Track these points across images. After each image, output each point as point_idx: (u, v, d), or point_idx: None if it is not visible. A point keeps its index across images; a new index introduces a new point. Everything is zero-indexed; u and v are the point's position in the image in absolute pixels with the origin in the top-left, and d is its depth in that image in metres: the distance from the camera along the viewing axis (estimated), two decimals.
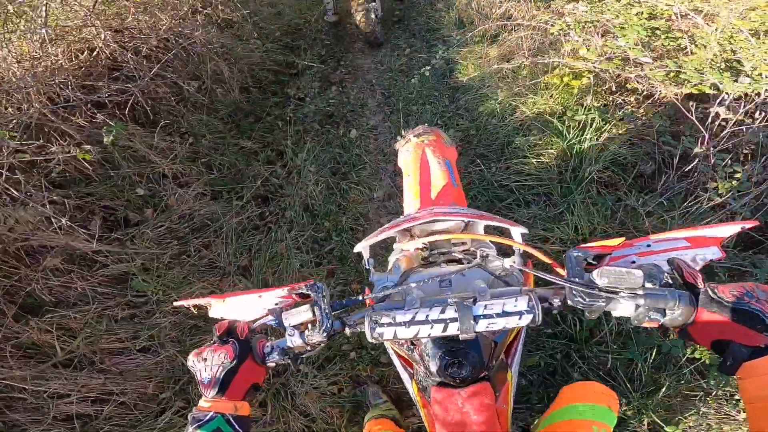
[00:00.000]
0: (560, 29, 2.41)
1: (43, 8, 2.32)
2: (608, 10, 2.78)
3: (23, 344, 1.55)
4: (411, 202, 1.08)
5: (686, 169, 1.92)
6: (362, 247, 0.82)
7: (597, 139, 2.20)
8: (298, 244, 2.13)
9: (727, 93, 1.89)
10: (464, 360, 0.63)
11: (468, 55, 3.24)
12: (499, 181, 2.24)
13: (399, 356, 0.82)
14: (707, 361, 1.39)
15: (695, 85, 1.99)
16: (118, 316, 1.76)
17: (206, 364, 0.59)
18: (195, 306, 0.75)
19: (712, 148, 1.87)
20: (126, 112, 2.27)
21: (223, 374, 0.58)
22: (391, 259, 0.88)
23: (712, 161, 1.87)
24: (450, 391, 0.64)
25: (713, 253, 0.64)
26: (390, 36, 3.84)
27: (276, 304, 0.67)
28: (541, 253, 0.66)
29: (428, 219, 0.79)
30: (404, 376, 0.83)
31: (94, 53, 2.43)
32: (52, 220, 1.73)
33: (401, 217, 0.90)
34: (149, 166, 2.29)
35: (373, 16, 3.31)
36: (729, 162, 1.86)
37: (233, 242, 2.13)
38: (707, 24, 2.27)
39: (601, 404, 0.69)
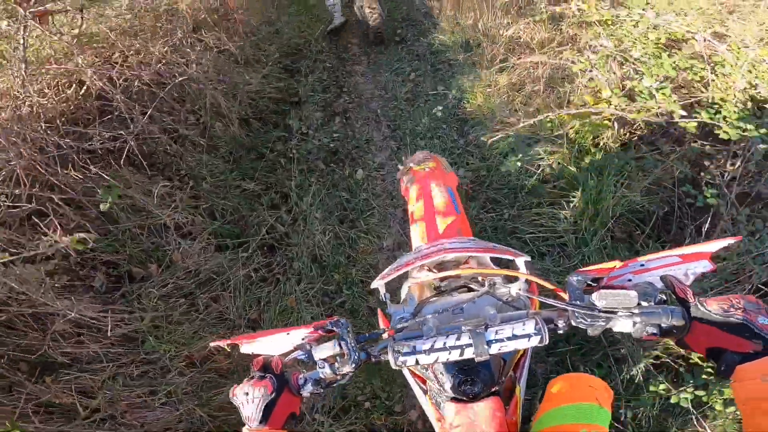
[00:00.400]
0: (583, 68, 2.30)
1: (21, 39, 2.15)
2: (625, 36, 2.68)
3: (44, 403, 1.53)
4: (417, 232, 1.13)
5: (705, 225, 1.84)
6: (378, 284, 0.88)
7: (615, 185, 2.12)
8: (308, 296, 2.05)
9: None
10: (476, 377, 0.68)
11: (476, 82, 3.13)
12: (513, 230, 2.16)
13: (412, 373, 0.86)
14: (715, 407, 1.38)
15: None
16: (134, 373, 1.72)
17: (248, 397, 0.64)
18: (229, 345, 0.80)
19: (729, 202, 1.79)
20: (121, 161, 2.15)
21: (264, 406, 0.63)
22: (404, 289, 0.93)
23: (729, 216, 1.79)
24: (463, 405, 0.69)
25: (704, 266, 0.69)
26: (393, 58, 3.71)
27: (303, 339, 0.72)
28: (544, 281, 0.71)
29: (438, 257, 0.85)
30: (418, 392, 0.86)
31: (83, 89, 2.29)
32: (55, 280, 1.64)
33: (412, 253, 0.94)
34: (149, 216, 2.18)
35: (382, 10, 3.55)
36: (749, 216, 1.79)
37: (241, 295, 2.04)
38: (729, 51, 2.18)
39: (588, 401, 0.67)
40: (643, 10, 2.81)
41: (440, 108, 2.96)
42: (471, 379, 0.69)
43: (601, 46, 2.29)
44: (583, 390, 0.68)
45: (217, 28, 3.16)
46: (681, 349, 0.77)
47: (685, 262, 0.69)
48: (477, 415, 0.68)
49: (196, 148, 2.63)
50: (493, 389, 0.71)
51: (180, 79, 2.47)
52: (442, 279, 0.90)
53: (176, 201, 2.27)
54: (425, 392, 0.84)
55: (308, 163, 2.69)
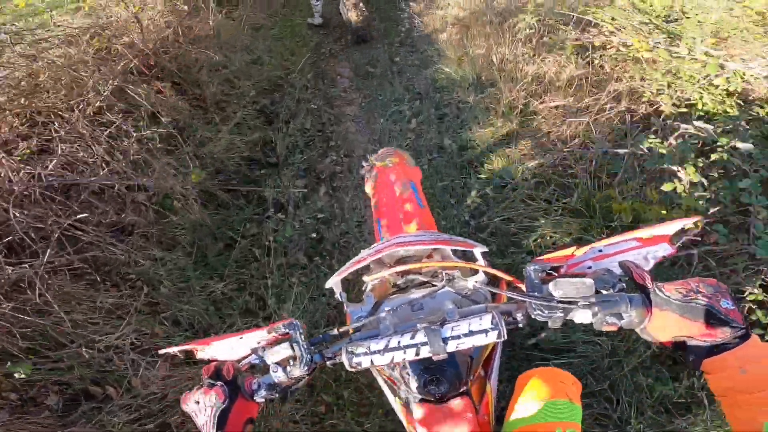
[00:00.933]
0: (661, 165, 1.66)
1: None
2: (688, 83, 2.09)
3: None
4: (380, 227, 1.11)
5: None
6: (333, 282, 0.85)
7: None
8: (295, 417, 1.63)
9: None
10: (442, 377, 0.67)
11: (489, 133, 2.57)
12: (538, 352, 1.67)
13: (382, 374, 0.83)
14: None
15: None
16: None
17: (199, 406, 0.62)
18: (181, 351, 0.77)
19: None
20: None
21: (217, 415, 0.61)
22: (367, 287, 0.91)
23: None
24: (431, 407, 0.68)
25: (664, 249, 0.66)
26: (390, 97, 3.13)
27: (258, 343, 0.69)
28: (501, 272, 0.71)
29: (391, 250, 0.83)
30: (388, 393, 0.84)
31: None
32: None
33: (365, 251, 0.90)
34: (97, 334, 1.72)
35: (363, 8, 3.58)
36: None
37: None
38: None
39: (561, 398, 0.64)
40: (708, 48, 2.21)
41: (449, 178, 2.41)
42: (436, 378, 0.67)
43: (691, 130, 1.68)
44: (555, 386, 0.65)
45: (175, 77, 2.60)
46: (645, 340, 0.61)
47: (645, 246, 0.67)
48: (446, 416, 0.67)
49: (148, 240, 2.13)
50: (461, 388, 0.70)
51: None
52: (401, 275, 0.88)
53: (129, 310, 1.80)
54: (395, 393, 0.81)
55: (287, 257, 2.18)
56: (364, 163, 1.32)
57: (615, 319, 0.56)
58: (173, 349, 0.76)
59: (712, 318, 0.51)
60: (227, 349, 0.73)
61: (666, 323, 0.54)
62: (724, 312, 0.52)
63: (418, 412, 0.69)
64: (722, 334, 0.51)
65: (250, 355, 0.68)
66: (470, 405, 0.68)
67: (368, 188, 1.27)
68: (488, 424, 0.72)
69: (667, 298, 0.54)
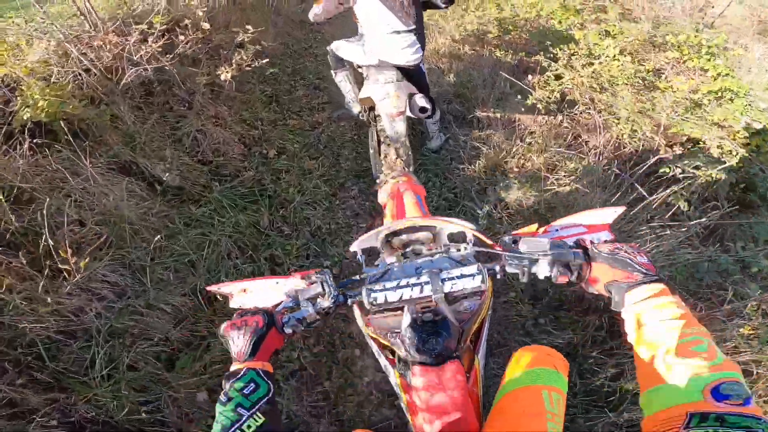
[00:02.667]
0: None
1: None
2: None
3: None
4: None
5: None
6: (356, 246, 1.01)
7: None
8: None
9: None
10: (438, 336, 0.79)
11: None
12: None
13: (382, 350, 0.93)
14: None
15: None
16: None
17: (240, 332, 0.74)
18: (220, 294, 0.92)
19: None
20: None
21: (255, 339, 0.73)
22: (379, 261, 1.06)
23: None
24: (428, 368, 0.79)
25: (606, 236, 0.87)
26: None
27: (294, 286, 0.84)
28: (486, 237, 0.88)
29: (409, 224, 1.03)
30: (387, 367, 0.92)
31: None
32: None
33: (382, 227, 1.04)
34: None
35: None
36: None
37: None
38: None
39: (547, 366, 0.74)
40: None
41: None
42: (434, 338, 0.79)
43: None
44: (543, 357, 0.77)
45: None
46: (586, 292, 0.78)
47: (590, 232, 0.87)
48: (440, 376, 0.77)
49: None
50: (455, 354, 0.81)
51: None
52: (405, 247, 1.07)
53: None
54: (393, 365, 0.89)
55: None
56: (380, 176, 1.60)
57: (566, 270, 0.75)
58: (216, 287, 0.89)
59: (629, 266, 0.69)
60: (263, 291, 0.87)
61: (600, 272, 0.72)
62: (638, 263, 0.70)
63: (415, 372, 0.79)
64: (637, 277, 0.68)
65: (283, 301, 0.82)
66: (461, 368, 0.79)
67: (381, 198, 1.48)
68: (477, 395, 0.81)
69: (599, 252, 0.73)
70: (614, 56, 2.76)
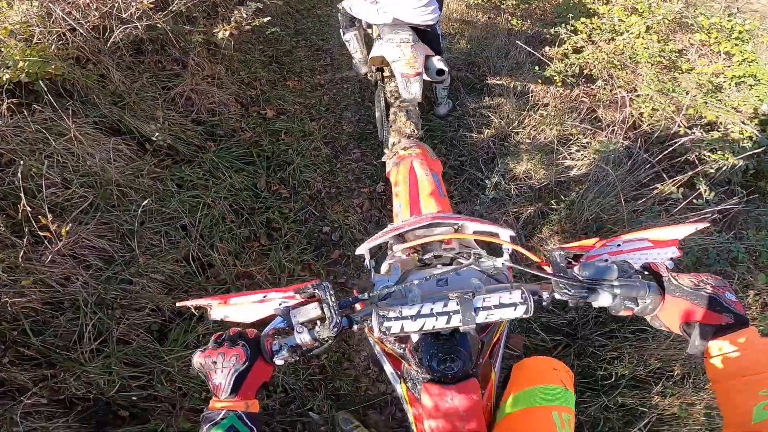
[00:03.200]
0: None
1: None
2: None
3: None
4: (400, 211, 1.11)
5: None
6: (364, 249, 0.84)
7: None
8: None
9: None
10: (456, 356, 0.66)
11: None
12: None
13: (388, 357, 0.83)
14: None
15: None
16: None
17: (217, 366, 0.60)
18: (196, 307, 0.74)
19: None
20: None
21: (235, 376, 0.60)
22: (385, 264, 0.87)
23: None
24: (440, 387, 0.66)
25: (672, 252, 0.71)
26: None
27: (280, 305, 0.67)
28: (530, 252, 0.70)
29: (428, 221, 0.84)
30: (392, 376, 0.83)
31: None
32: None
33: (400, 221, 0.93)
34: None
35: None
36: None
37: None
38: None
39: (556, 384, 0.67)
40: None
41: None
42: (451, 358, 0.66)
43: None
44: (549, 373, 0.67)
45: None
46: (655, 327, 0.64)
47: (656, 248, 0.71)
48: (454, 397, 0.65)
49: None
50: (472, 371, 0.69)
51: None
52: (424, 252, 0.89)
53: None
54: (400, 377, 0.80)
55: None
56: (386, 150, 1.34)
57: (632, 303, 0.61)
58: (189, 303, 0.72)
59: (717, 305, 0.57)
60: (246, 311, 0.70)
61: (677, 308, 0.59)
62: (727, 302, 0.57)
63: (426, 391, 0.67)
64: (725, 319, 0.56)
65: (271, 317, 0.67)
66: (477, 388, 0.67)
67: (391, 174, 1.25)
68: (489, 409, 0.72)
69: (679, 286, 0.60)
70: (639, 34, 2.62)
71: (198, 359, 0.62)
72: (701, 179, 1.72)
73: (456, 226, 0.90)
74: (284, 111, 2.57)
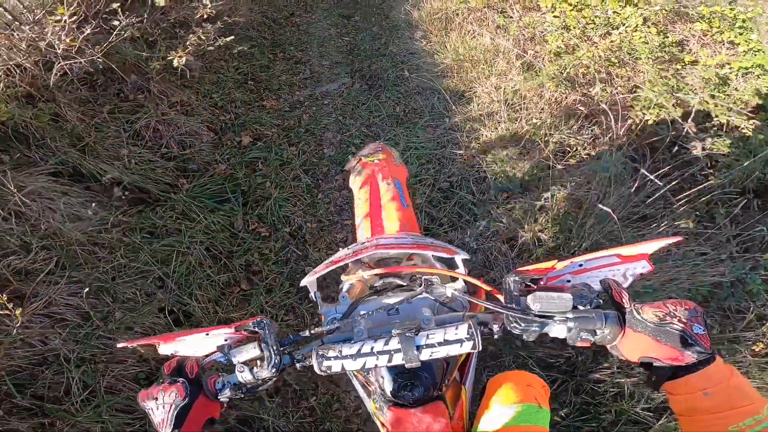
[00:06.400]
0: None
1: None
2: None
3: None
4: (361, 223, 1.07)
5: None
6: (308, 281, 0.81)
7: None
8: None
9: None
10: (417, 382, 0.64)
11: None
12: None
13: (356, 375, 0.82)
14: None
15: None
16: None
17: (157, 403, 0.59)
18: (142, 346, 0.71)
19: None
20: None
21: (176, 413, 0.58)
22: (343, 286, 0.86)
23: None
24: (404, 411, 0.65)
25: (643, 266, 0.65)
26: None
27: (225, 340, 0.66)
28: (481, 281, 0.68)
29: (370, 252, 0.79)
30: (363, 394, 0.81)
31: None
32: None
33: (344, 250, 0.88)
34: None
35: None
36: None
37: None
38: None
39: (530, 402, 0.63)
40: None
41: None
42: (411, 384, 0.64)
43: None
44: (523, 390, 0.65)
45: None
46: (614, 355, 0.61)
47: (624, 263, 0.66)
48: (420, 421, 0.64)
49: None
50: (436, 393, 0.67)
51: None
52: (380, 276, 0.84)
53: None
54: (369, 395, 0.77)
55: None
56: (350, 157, 1.28)
57: (589, 335, 0.57)
58: (134, 343, 0.70)
59: (683, 343, 0.52)
60: (192, 345, 0.69)
61: (638, 344, 0.55)
62: (694, 337, 0.52)
63: (389, 415, 0.66)
64: (689, 358, 0.52)
65: (215, 353, 0.65)
66: (444, 410, 0.66)
67: (353, 183, 1.21)
68: (462, 428, 0.70)
69: (642, 321, 0.55)
70: (636, 26, 2.43)
71: (140, 396, 0.60)
72: (720, 212, 1.55)
73: (404, 257, 0.85)
74: (261, 136, 2.41)
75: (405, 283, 0.80)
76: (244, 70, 2.89)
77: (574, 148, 2.07)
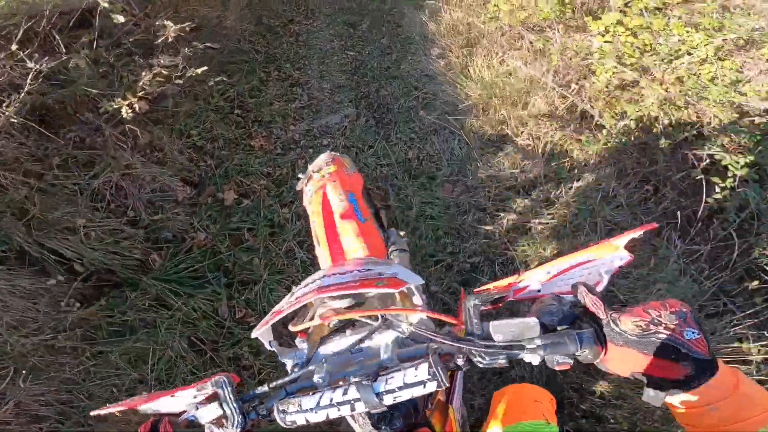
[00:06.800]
0: None
1: None
2: None
3: None
4: (319, 249, 1.02)
5: None
6: (260, 333, 0.74)
7: None
8: None
9: None
10: (396, 412, 0.62)
11: None
12: None
13: None
14: None
15: None
16: None
17: None
18: (116, 410, 0.69)
19: None
20: None
21: None
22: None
23: None
24: None
25: (621, 258, 0.58)
26: None
27: (194, 396, 0.63)
28: (442, 315, 0.62)
29: (312, 297, 0.71)
30: (352, 423, 0.74)
31: None
32: None
33: (287, 297, 0.79)
34: None
35: None
36: None
37: None
38: None
39: (538, 419, 0.62)
40: None
41: None
42: (390, 414, 0.61)
43: None
44: (530, 406, 0.64)
45: None
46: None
47: (598, 260, 0.59)
48: None
49: None
50: (421, 420, 0.66)
51: None
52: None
53: None
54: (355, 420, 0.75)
55: None
56: (300, 175, 1.19)
57: (567, 358, 0.50)
58: (106, 410, 0.67)
59: (673, 353, 0.45)
60: (164, 405, 0.66)
61: (624, 358, 0.48)
62: (687, 344, 0.45)
63: None
64: (685, 370, 0.45)
65: (185, 411, 0.63)
66: None
67: (306, 203, 1.13)
68: None
69: (622, 333, 0.48)
70: (706, 58, 1.97)
71: None
72: None
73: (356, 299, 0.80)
74: (247, 191, 2.04)
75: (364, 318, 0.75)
76: (230, 94, 2.47)
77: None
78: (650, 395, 0.47)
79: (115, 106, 1.58)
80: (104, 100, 1.68)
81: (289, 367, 0.73)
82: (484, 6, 2.57)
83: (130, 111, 1.55)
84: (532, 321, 0.50)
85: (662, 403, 0.47)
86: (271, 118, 2.42)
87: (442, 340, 0.57)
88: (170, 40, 1.71)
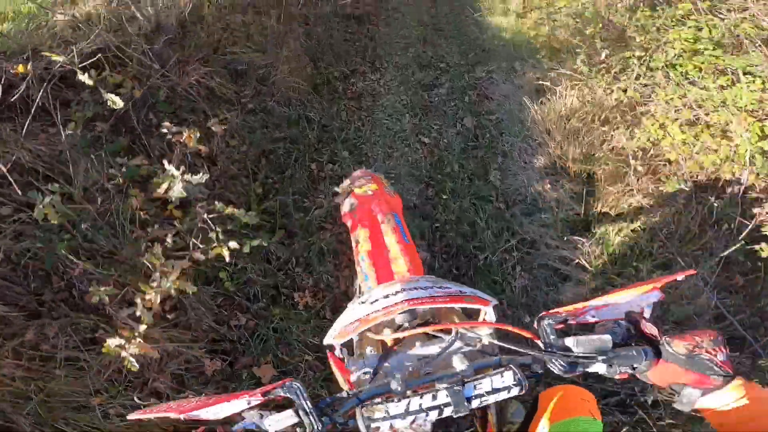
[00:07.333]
0: None
1: None
2: None
3: None
4: (364, 266, 1.04)
5: None
6: (335, 341, 0.78)
7: None
8: None
9: None
10: (460, 421, 0.69)
11: None
12: None
13: None
14: None
15: None
16: None
17: None
18: (155, 416, 0.67)
19: None
20: None
21: None
22: (355, 339, 0.84)
23: None
24: None
25: (655, 296, 0.70)
26: None
27: (248, 403, 0.61)
28: (517, 329, 0.69)
29: (400, 308, 0.76)
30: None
31: None
32: None
33: (365, 306, 0.82)
34: None
35: None
36: None
37: None
38: None
39: (586, 415, 0.68)
40: None
41: None
42: (454, 421, 0.66)
43: None
44: (577, 403, 0.69)
45: None
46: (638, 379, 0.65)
47: (639, 295, 0.70)
48: None
49: None
50: (471, 428, 0.71)
51: None
52: (397, 327, 0.82)
53: None
54: None
55: None
56: (337, 189, 1.23)
57: (627, 368, 0.62)
58: (145, 414, 0.65)
59: (709, 369, 0.59)
60: (213, 413, 0.64)
61: (667, 372, 0.62)
62: (719, 364, 0.59)
63: None
64: (716, 382, 0.59)
65: (242, 419, 0.60)
66: None
67: (345, 218, 1.15)
68: None
69: (674, 353, 0.61)
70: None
71: None
72: None
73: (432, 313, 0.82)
74: (288, 369, 1.61)
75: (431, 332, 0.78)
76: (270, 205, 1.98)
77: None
78: (684, 402, 0.60)
79: (103, 351, 1.17)
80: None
81: (355, 376, 0.73)
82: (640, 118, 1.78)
83: (128, 348, 1.14)
84: (606, 337, 0.62)
85: (692, 408, 0.59)
86: (320, 258, 1.88)
87: (528, 352, 0.64)
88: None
